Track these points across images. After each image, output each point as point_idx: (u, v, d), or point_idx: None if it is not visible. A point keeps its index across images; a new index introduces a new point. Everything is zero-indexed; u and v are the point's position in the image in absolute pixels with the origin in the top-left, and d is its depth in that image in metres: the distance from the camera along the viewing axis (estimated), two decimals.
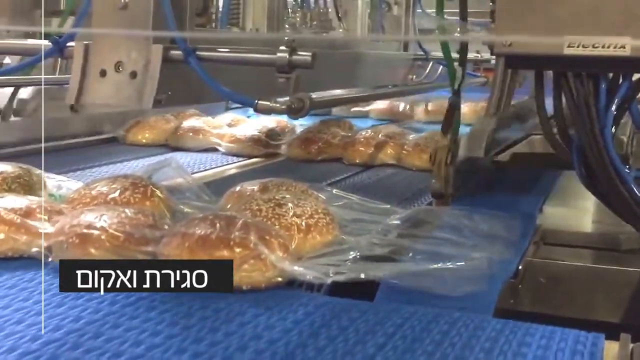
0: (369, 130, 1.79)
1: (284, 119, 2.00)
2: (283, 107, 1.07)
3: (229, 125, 1.99)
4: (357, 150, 1.70)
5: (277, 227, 0.86)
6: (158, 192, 1.00)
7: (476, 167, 1.27)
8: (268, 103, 1.07)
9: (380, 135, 1.73)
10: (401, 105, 2.77)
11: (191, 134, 1.85)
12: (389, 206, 1.05)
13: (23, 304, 0.72)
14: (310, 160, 1.72)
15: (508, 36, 0.89)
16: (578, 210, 1.30)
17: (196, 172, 1.53)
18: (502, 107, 1.33)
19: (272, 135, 1.82)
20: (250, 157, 1.76)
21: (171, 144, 1.86)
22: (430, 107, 2.69)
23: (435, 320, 0.72)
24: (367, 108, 2.81)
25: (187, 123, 1.90)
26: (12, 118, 1.79)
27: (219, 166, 1.68)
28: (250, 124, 1.97)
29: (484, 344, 0.67)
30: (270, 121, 1.95)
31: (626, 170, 0.94)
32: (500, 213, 1.00)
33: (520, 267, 0.95)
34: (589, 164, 0.97)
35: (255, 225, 0.81)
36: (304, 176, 1.41)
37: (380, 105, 2.80)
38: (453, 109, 1.21)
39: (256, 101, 1.08)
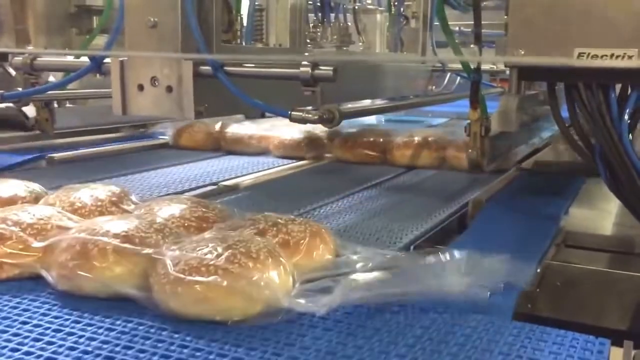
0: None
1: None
2: (315, 117, 1.11)
3: None
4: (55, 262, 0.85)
5: None
6: None
7: None
8: (301, 114, 1.12)
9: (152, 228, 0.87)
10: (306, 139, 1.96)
11: None
12: None
13: None
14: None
15: (517, 57, 0.93)
16: (601, 212, 1.32)
17: None
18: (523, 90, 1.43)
19: None
20: None
21: None
22: (349, 139, 1.91)
23: (459, 324, 0.77)
24: (265, 139, 2.01)
25: None
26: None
27: None
28: None
29: (502, 348, 0.72)
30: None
31: None
32: None
33: (538, 270, 0.98)
34: (612, 168, 1.01)
35: None
36: None
37: (287, 134, 1.97)
38: (477, 85, 1.30)
39: (289, 112, 1.13)
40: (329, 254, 0.92)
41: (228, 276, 0.75)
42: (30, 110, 1.83)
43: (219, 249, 0.78)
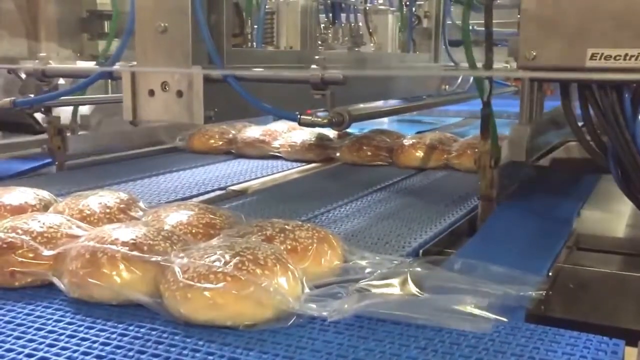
0: None
1: None
2: (324, 121, 1.11)
3: None
4: None
5: None
6: None
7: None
8: (310, 117, 1.12)
9: None
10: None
11: None
12: None
13: None
14: None
15: (528, 72, 0.92)
16: (614, 214, 1.31)
17: None
18: (535, 114, 1.40)
19: None
20: None
21: None
22: (357, 141, 1.91)
23: None
24: (275, 143, 2.01)
25: None
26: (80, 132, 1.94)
27: None
28: None
29: (515, 350, 0.72)
30: None
31: None
32: None
33: (550, 274, 0.97)
34: (624, 168, 1.00)
35: None
36: None
37: (297, 136, 1.97)
38: (487, 119, 1.28)
39: (298, 116, 1.12)
40: (337, 259, 0.92)
41: (237, 283, 0.76)
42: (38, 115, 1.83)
43: (227, 256, 0.79)
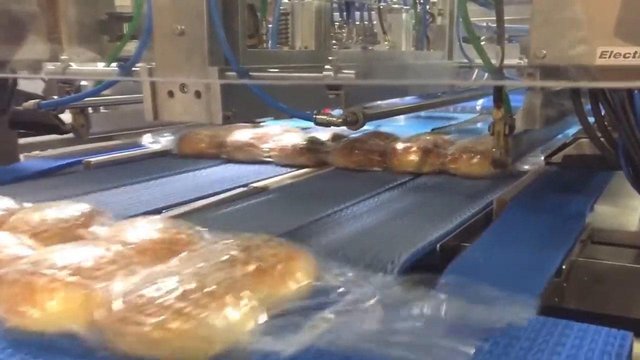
0: None
1: None
2: (339, 120, 1.12)
3: None
4: None
5: None
6: None
7: None
8: (325, 117, 1.13)
9: None
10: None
11: None
12: None
13: None
14: None
15: (538, 81, 0.92)
16: (628, 209, 1.31)
17: None
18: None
19: None
20: None
21: None
22: (349, 144, 1.78)
23: None
24: (264, 146, 1.88)
25: None
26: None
27: None
28: None
29: (524, 343, 0.73)
30: None
31: None
32: None
33: (564, 267, 0.98)
34: (635, 165, 1.00)
35: None
36: None
37: (289, 140, 1.86)
38: (499, 87, 1.29)
39: (314, 115, 1.14)
40: (307, 279, 0.82)
41: (177, 316, 0.68)
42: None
43: (173, 284, 0.71)
